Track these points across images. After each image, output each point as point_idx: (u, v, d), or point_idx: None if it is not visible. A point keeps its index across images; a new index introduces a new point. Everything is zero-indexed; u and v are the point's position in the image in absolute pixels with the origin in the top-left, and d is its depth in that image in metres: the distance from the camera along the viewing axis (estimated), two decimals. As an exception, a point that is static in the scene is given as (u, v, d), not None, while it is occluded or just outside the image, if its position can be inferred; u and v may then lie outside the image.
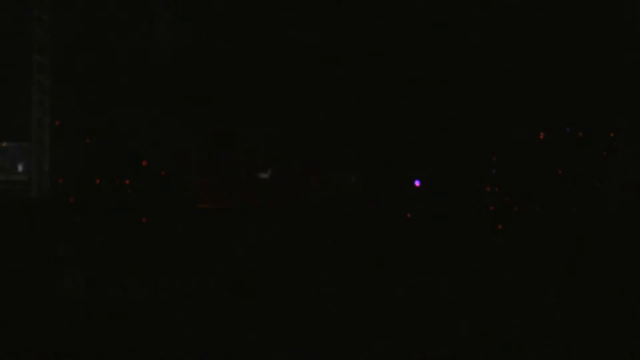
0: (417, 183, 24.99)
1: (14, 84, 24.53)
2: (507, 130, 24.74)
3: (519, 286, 21.49)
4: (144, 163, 25.16)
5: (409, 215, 24.66)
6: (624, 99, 23.58)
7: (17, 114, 24.48)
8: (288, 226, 23.31)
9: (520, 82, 24.42)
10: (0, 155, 25.41)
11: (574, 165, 24.73)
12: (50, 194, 24.22)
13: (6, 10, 24.61)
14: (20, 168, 25.21)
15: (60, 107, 24.48)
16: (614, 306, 20.05)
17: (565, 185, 24.69)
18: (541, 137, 24.96)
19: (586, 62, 24.16)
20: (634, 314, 19.56)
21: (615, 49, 23.24)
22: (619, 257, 22.01)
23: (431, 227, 23.83)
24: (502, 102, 24.55)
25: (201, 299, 21.14)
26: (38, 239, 22.05)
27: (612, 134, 24.21)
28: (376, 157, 24.86)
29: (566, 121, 24.89)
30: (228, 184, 25.23)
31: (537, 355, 17.03)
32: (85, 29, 24.65)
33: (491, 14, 24.71)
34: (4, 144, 25.37)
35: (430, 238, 23.30)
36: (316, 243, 22.62)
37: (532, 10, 24.49)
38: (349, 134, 24.83)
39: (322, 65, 24.86)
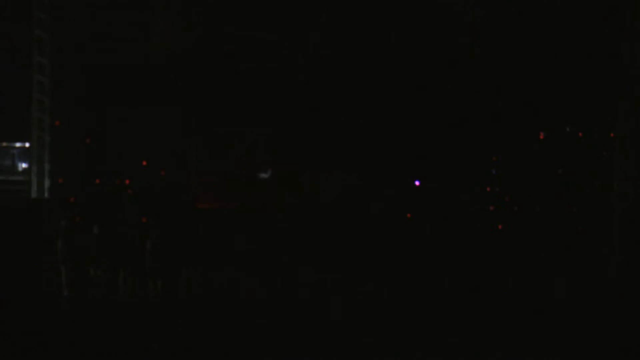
0: (417, 183, 25.00)
1: (14, 84, 24.55)
2: (507, 130, 24.76)
3: (518, 286, 21.52)
4: (144, 163, 25.18)
5: (409, 215, 24.67)
6: (624, 100, 23.59)
7: (17, 114, 24.50)
8: (289, 226, 23.32)
9: (521, 83, 24.44)
10: (1, 156, 25.45)
11: (574, 165, 24.74)
12: (50, 194, 24.25)
13: (6, 10, 24.64)
14: (20, 168, 25.23)
15: (60, 107, 24.51)
16: (614, 305, 20.08)
17: (565, 185, 24.71)
18: (541, 137, 24.98)
19: (586, 64, 24.18)
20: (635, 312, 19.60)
21: (614, 51, 23.25)
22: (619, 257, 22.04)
23: (431, 227, 23.85)
24: (502, 102, 24.57)
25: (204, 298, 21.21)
26: (38, 239, 22.06)
27: (612, 134, 24.21)
28: (377, 157, 24.87)
29: (566, 121, 24.91)
30: (228, 184, 25.24)
31: (538, 354, 17.05)
32: (85, 29, 24.69)
33: (492, 17, 24.76)
34: (4, 144, 25.40)
35: (431, 238, 23.32)
36: (317, 243, 22.63)
37: (533, 13, 24.52)
38: (349, 134, 24.84)
39: (322, 66, 24.88)
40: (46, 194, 24.26)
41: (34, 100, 24.27)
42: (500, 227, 24.40)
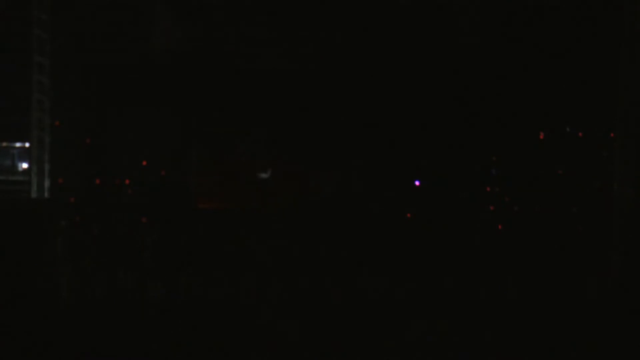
0: (417, 183, 25.00)
1: (14, 84, 24.54)
2: (507, 130, 24.75)
3: (518, 286, 21.51)
4: (144, 163, 25.18)
5: (409, 215, 24.66)
6: (624, 100, 23.59)
7: (17, 114, 24.50)
8: (289, 226, 23.31)
9: (521, 83, 24.43)
10: (1, 156, 25.43)
11: (574, 165, 24.73)
12: (50, 194, 24.24)
13: (6, 10, 24.63)
14: (20, 168, 25.22)
15: (60, 107, 24.50)
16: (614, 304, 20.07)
17: (565, 185, 24.70)
18: (541, 137, 24.97)
19: (586, 64, 24.17)
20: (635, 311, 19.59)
21: (614, 51, 23.24)
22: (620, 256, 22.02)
23: (431, 227, 23.84)
24: (502, 103, 24.56)
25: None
26: (38, 239, 22.05)
27: (612, 134, 24.20)
28: (377, 157, 24.87)
29: (566, 121, 24.91)
30: (228, 184, 25.23)
31: (538, 355, 17.04)
32: (85, 29, 24.68)
33: (491, 17, 24.75)
34: (4, 144, 25.38)
35: (430, 237, 23.31)
36: (317, 243, 22.62)
37: (532, 12, 24.52)
38: (349, 134, 24.84)
39: (322, 65, 24.88)
40: (46, 194, 24.25)
41: (34, 100, 24.27)
42: (500, 227, 24.39)
